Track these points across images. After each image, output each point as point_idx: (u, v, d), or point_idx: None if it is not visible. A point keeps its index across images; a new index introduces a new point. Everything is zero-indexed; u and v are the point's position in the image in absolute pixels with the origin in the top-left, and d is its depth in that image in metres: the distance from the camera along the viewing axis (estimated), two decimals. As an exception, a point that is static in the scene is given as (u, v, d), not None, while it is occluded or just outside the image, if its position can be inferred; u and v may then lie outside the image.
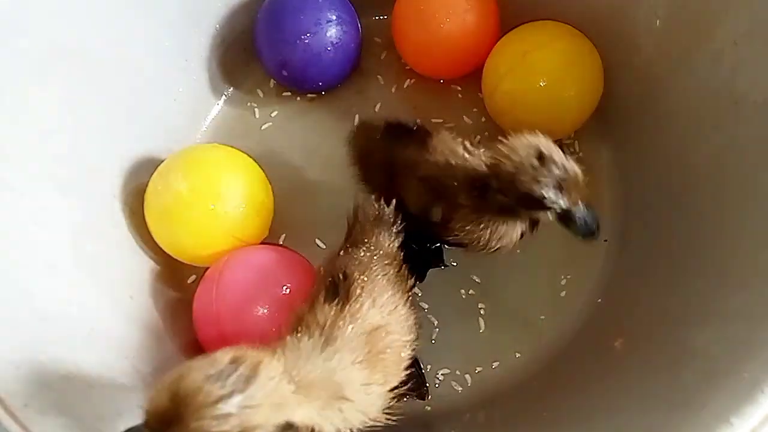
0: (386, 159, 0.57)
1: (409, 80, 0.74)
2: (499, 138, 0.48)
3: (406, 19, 0.69)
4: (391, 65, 0.75)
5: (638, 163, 0.65)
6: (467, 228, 0.51)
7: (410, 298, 0.51)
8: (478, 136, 0.58)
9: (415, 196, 0.54)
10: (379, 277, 0.48)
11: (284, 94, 0.74)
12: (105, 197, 0.59)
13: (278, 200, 0.64)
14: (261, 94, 0.74)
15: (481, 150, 0.52)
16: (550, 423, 0.54)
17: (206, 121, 0.73)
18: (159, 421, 0.34)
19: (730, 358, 0.44)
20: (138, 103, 0.64)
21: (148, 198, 0.60)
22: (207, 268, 0.59)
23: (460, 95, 0.73)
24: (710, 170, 0.55)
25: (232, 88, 0.75)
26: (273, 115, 0.73)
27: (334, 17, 0.68)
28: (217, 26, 0.71)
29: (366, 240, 0.52)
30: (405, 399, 0.48)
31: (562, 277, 0.64)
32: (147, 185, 0.60)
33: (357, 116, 0.72)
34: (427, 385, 0.60)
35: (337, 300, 0.45)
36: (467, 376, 0.61)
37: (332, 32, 0.67)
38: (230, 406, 0.34)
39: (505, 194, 0.47)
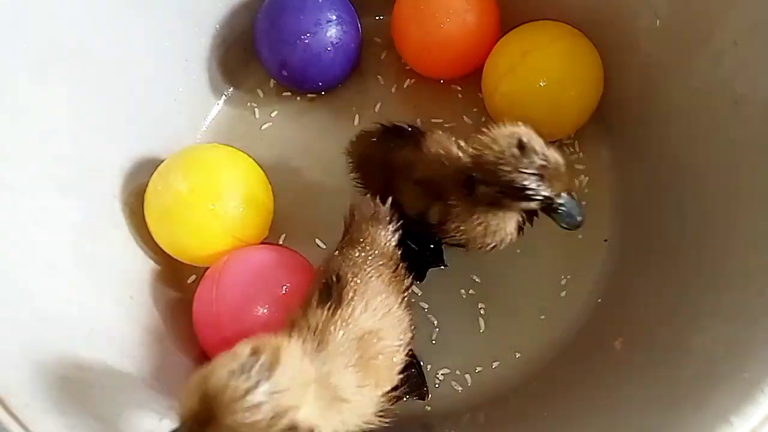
0: (382, 162, 0.57)
1: (409, 80, 0.74)
2: (482, 129, 0.48)
3: (406, 19, 0.69)
4: (391, 65, 0.75)
5: (638, 164, 0.65)
6: (462, 228, 0.51)
7: (406, 299, 0.50)
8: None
9: (411, 199, 0.54)
10: (373, 278, 0.48)
11: (284, 94, 0.74)
12: (105, 197, 0.59)
13: (278, 200, 0.64)
14: (261, 94, 0.74)
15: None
16: (550, 423, 0.54)
17: (206, 121, 0.73)
18: (195, 424, 0.35)
19: (730, 358, 0.44)
20: (138, 103, 0.64)
21: (148, 198, 0.60)
22: (207, 268, 0.59)
23: (460, 95, 0.73)
24: (710, 170, 0.55)
25: (232, 88, 0.75)
26: (273, 115, 0.73)
27: (334, 17, 0.68)
28: (217, 26, 0.71)
29: (362, 239, 0.52)
30: (405, 399, 0.48)
31: (562, 277, 0.64)
32: (147, 185, 0.60)
33: (357, 116, 0.72)
34: (427, 385, 0.60)
35: (329, 303, 0.45)
36: (467, 376, 0.61)
37: (332, 32, 0.68)
38: (259, 395, 0.35)
39: (489, 185, 0.47)
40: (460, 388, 0.61)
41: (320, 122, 0.72)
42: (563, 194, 0.46)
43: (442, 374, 0.61)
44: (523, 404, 0.59)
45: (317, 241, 0.66)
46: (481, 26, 0.67)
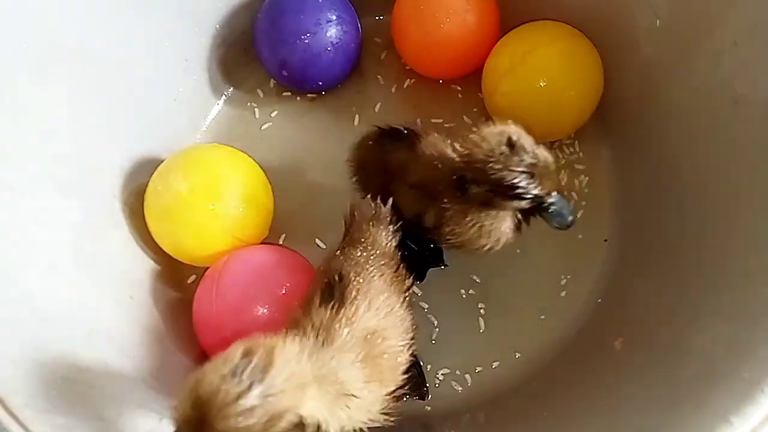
0: (379, 166, 0.57)
1: (409, 80, 0.74)
2: (471, 128, 0.48)
3: (406, 19, 0.69)
4: (391, 65, 0.75)
5: (638, 163, 0.65)
6: (457, 230, 0.51)
7: (408, 298, 0.50)
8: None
9: (407, 203, 0.54)
10: (376, 278, 0.48)
11: (284, 94, 0.74)
12: (105, 197, 0.59)
13: (278, 200, 0.64)
14: (261, 94, 0.74)
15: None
16: (550, 423, 0.54)
17: (206, 121, 0.73)
18: (188, 429, 0.34)
19: (730, 358, 0.44)
20: (138, 103, 0.64)
21: (148, 198, 0.60)
22: (207, 268, 0.59)
23: (460, 95, 0.73)
24: (710, 170, 0.55)
25: (232, 88, 0.75)
26: (273, 115, 0.73)
27: (334, 17, 0.68)
28: (217, 26, 0.71)
29: (363, 239, 0.52)
30: (405, 399, 0.48)
31: (562, 277, 0.64)
32: (147, 185, 0.60)
33: (357, 116, 0.72)
34: (427, 385, 0.60)
35: (332, 302, 0.45)
36: (467, 376, 0.61)
37: (332, 32, 0.68)
38: (251, 398, 0.34)
39: (479, 184, 0.46)
40: (460, 388, 0.61)
41: (320, 122, 0.72)
42: (553, 193, 0.46)
43: (442, 374, 0.61)
44: (523, 404, 0.59)
45: (317, 241, 0.66)
46: (481, 26, 0.67)
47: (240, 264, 0.57)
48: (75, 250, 0.53)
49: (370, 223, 0.53)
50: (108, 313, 0.53)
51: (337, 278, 0.47)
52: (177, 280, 0.64)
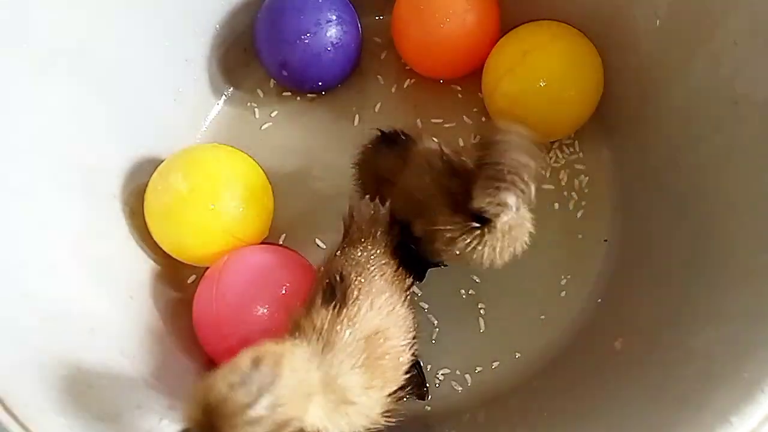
0: (374, 170, 0.57)
1: (409, 80, 0.74)
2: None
3: (405, 20, 0.69)
4: (391, 65, 0.75)
5: (638, 164, 0.65)
6: (443, 247, 0.49)
7: (408, 297, 0.50)
8: (478, 136, 0.58)
9: (398, 210, 0.54)
10: (377, 277, 0.48)
11: (284, 94, 0.74)
12: (105, 197, 0.59)
13: (278, 200, 0.64)
14: (261, 94, 0.74)
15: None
16: (550, 423, 0.54)
17: (206, 121, 0.73)
18: None
19: (730, 358, 0.44)
20: (138, 103, 0.64)
21: (148, 198, 0.60)
22: (207, 268, 0.59)
23: (460, 95, 0.73)
24: (710, 170, 0.55)
25: (232, 88, 0.75)
26: (273, 115, 0.73)
27: (334, 17, 0.68)
28: (217, 26, 0.71)
29: (362, 240, 0.52)
30: (405, 399, 0.48)
31: (562, 277, 0.64)
32: (147, 185, 0.60)
33: (357, 116, 0.72)
34: (427, 385, 0.60)
35: (334, 303, 0.45)
36: (467, 376, 0.61)
37: (332, 32, 0.68)
38: (259, 408, 0.34)
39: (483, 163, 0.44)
40: (460, 388, 0.61)
41: (320, 122, 0.72)
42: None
43: (442, 374, 0.61)
44: (523, 404, 0.59)
45: (317, 241, 0.66)
46: (481, 26, 0.67)
47: (240, 264, 0.57)
48: (75, 250, 0.53)
49: (369, 224, 0.53)
50: (108, 313, 0.53)
51: (338, 278, 0.47)
52: (177, 280, 0.63)
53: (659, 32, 0.59)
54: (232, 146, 0.64)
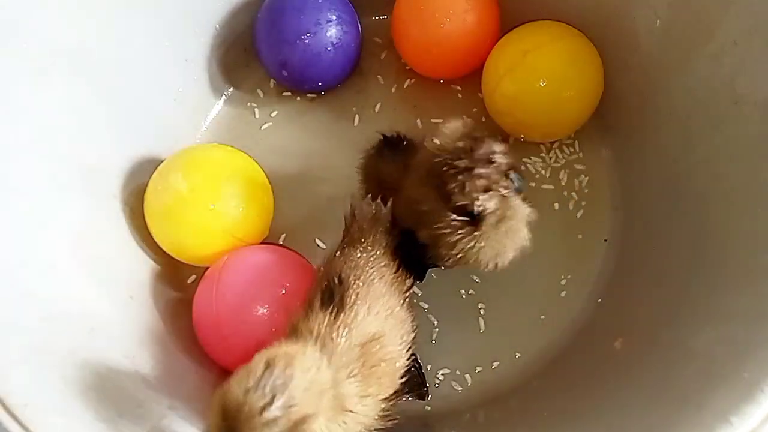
0: (378, 175, 0.57)
1: (409, 80, 0.74)
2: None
3: (405, 20, 0.69)
4: (391, 65, 0.75)
5: (638, 164, 0.65)
6: (451, 253, 0.50)
7: (408, 299, 0.50)
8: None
9: (401, 217, 0.53)
10: (376, 279, 0.48)
11: (284, 94, 0.74)
12: (105, 197, 0.59)
13: (278, 200, 0.64)
14: (261, 94, 0.74)
15: None
16: (550, 423, 0.54)
17: (206, 121, 0.73)
18: None
19: (730, 358, 0.44)
20: (138, 103, 0.64)
21: (148, 198, 0.60)
22: (207, 268, 0.59)
23: (460, 95, 0.73)
24: (710, 170, 0.55)
25: (232, 88, 0.75)
26: (273, 115, 0.73)
27: (334, 17, 0.68)
28: (217, 26, 0.71)
29: (363, 239, 0.51)
30: (405, 399, 0.48)
31: (562, 277, 0.64)
32: (147, 185, 0.60)
33: (357, 116, 0.72)
34: (427, 385, 0.60)
35: (332, 307, 0.45)
36: (467, 376, 0.61)
37: (332, 32, 0.67)
38: (274, 410, 0.36)
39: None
40: (460, 388, 0.61)
41: (320, 122, 0.72)
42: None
43: (442, 374, 0.61)
44: (523, 404, 0.59)
45: (317, 241, 0.66)
46: (481, 26, 0.67)
47: (240, 264, 0.57)
48: (75, 250, 0.53)
49: (370, 223, 0.53)
50: (108, 313, 0.53)
51: (336, 281, 0.47)
52: (177, 280, 0.63)
53: (659, 32, 0.59)
54: (232, 146, 0.64)
